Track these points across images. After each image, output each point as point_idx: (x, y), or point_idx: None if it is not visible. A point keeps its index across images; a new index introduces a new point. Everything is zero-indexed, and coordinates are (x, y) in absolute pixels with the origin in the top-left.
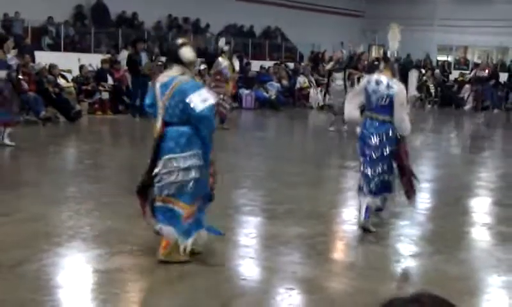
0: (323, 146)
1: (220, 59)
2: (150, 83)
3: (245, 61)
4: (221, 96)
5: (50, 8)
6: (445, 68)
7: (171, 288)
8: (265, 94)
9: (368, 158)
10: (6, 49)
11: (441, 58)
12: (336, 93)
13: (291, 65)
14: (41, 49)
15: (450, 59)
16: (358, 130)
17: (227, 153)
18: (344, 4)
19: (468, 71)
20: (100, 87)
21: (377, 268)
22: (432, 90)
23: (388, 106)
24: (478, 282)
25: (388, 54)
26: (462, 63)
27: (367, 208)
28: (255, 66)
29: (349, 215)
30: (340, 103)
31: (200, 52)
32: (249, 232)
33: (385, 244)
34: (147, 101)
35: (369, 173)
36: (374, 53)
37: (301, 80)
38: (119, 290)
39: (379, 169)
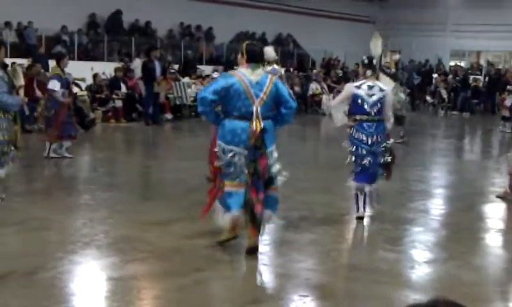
0: (336, 152)
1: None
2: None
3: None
4: None
5: (64, 17)
6: (457, 73)
7: (185, 295)
8: None
9: (369, 155)
10: (62, 66)
11: (454, 63)
12: None
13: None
14: (53, 57)
15: (463, 64)
16: (352, 132)
17: None
18: (356, 10)
19: (480, 76)
20: (114, 96)
21: (391, 274)
22: (445, 96)
23: (381, 107)
24: (492, 288)
25: (374, 61)
26: (475, 68)
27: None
28: None
29: (363, 222)
30: None
31: (212, 60)
32: (262, 239)
33: (399, 250)
34: (211, 97)
35: (368, 165)
36: (388, 59)
37: (313, 87)
38: (133, 297)
39: (377, 161)
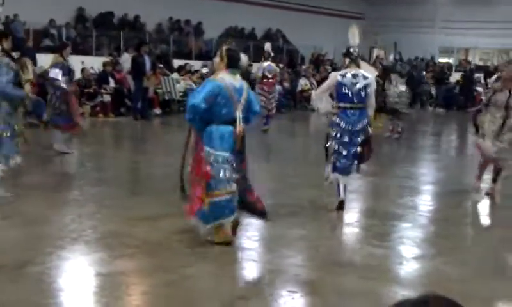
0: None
1: (265, 63)
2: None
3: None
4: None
5: (52, 11)
6: (444, 69)
7: (172, 290)
8: None
9: (352, 142)
10: (65, 55)
11: (443, 60)
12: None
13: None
14: (42, 51)
15: (451, 61)
16: (336, 120)
17: None
18: (345, 6)
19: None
20: (102, 90)
21: (379, 270)
22: (433, 92)
23: (365, 95)
24: (480, 284)
25: (351, 50)
26: (463, 65)
27: (345, 186)
28: (256, 68)
29: (351, 217)
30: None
31: (201, 55)
32: (251, 234)
33: (387, 246)
34: (203, 105)
35: (355, 152)
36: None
37: (303, 83)
38: (121, 293)
39: (355, 151)
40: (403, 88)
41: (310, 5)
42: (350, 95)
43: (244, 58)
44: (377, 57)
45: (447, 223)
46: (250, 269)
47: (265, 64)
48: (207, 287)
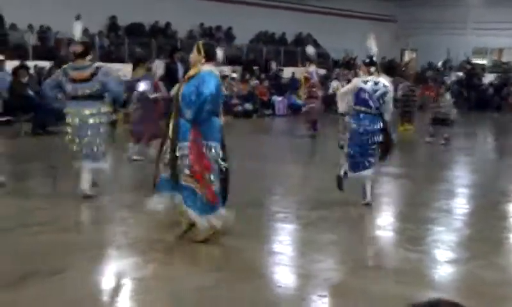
0: None
1: (311, 68)
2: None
3: (277, 68)
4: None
5: (85, 20)
6: (475, 71)
7: (205, 295)
8: (297, 101)
9: (368, 144)
10: (149, 66)
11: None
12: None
13: (322, 71)
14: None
15: (485, 62)
16: (350, 122)
17: (260, 160)
18: (376, 9)
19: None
20: None
21: (412, 274)
22: (466, 94)
23: (383, 102)
24: None
25: (374, 59)
26: (497, 66)
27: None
28: (287, 73)
29: (384, 221)
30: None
31: (232, 61)
32: (283, 239)
33: (421, 250)
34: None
35: (371, 154)
36: (407, 57)
37: (334, 85)
38: (154, 297)
39: (365, 153)
40: (448, 96)
41: (341, 8)
42: (368, 101)
43: (220, 52)
44: (409, 60)
45: (482, 226)
46: (282, 274)
47: (311, 69)
48: (240, 292)
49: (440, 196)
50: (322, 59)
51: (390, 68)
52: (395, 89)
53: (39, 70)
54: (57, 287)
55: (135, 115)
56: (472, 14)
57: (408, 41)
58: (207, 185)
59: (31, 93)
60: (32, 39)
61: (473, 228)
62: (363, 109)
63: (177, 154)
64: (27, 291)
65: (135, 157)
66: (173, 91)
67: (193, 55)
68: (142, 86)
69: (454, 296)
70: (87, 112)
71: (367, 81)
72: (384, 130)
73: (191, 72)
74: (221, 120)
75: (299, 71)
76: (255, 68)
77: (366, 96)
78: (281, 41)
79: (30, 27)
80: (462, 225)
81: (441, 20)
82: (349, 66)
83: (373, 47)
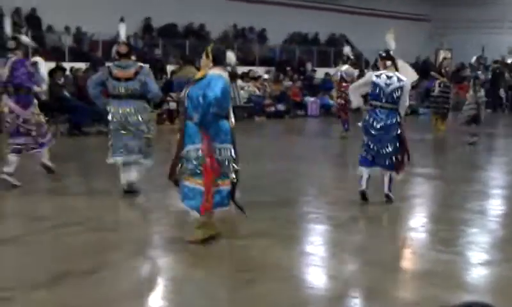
0: None
1: (344, 66)
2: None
3: (312, 68)
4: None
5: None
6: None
7: (236, 295)
8: (330, 101)
9: (384, 139)
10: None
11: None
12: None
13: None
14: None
15: None
16: (365, 116)
17: (292, 161)
18: (410, 8)
19: None
20: (168, 98)
21: (445, 276)
22: (502, 95)
23: (398, 96)
24: None
25: (391, 53)
26: None
27: (369, 178)
28: (320, 73)
29: (416, 223)
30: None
31: (265, 61)
32: (314, 240)
33: (454, 252)
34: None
35: (388, 151)
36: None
37: None
38: (186, 297)
39: (390, 148)
40: (482, 93)
41: (374, 8)
42: (381, 95)
43: (231, 56)
44: (444, 59)
45: None
46: (313, 274)
47: (344, 67)
48: (270, 292)
49: (473, 197)
50: (355, 59)
51: (424, 68)
52: (431, 87)
53: (75, 72)
54: (91, 286)
55: None
56: (509, 12)
57: (443, 41)
58: (210, 188)
59: (67, 94)
60: (68, 41)
61: (507, 230)
62: (378, 104)
63: (183, 156)
64: (62, 290)
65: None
66: (181, 94)
67: (202, 60)
68: None
69: (487, 298)
70: (128, 109)
71: (380, 75)
72: (399, 125)
73: (199, 75)
74: (230, 123)
75: (332, 72)
76: (288, 68)
77: (378, 90)
78: (314, 41)
79: (67, 29)
80: (496, 226)
81: (477, 19)
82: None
83: (391, 42)
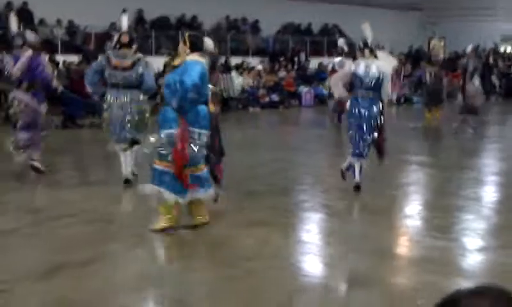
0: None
1: (337, 58)
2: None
3: (308, 59)
4: None
5: (112, 14)
6: (509, 58)
7: (233, 284)
8: (324, 91)
9: (365, 127)
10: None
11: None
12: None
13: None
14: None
15: None
16: (348, 105)
17: (287, 150)
18: None
19: None
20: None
21: (441, 262)
22: (496, 82)
23: (378, 84)
24: None
25: (368, 42)
26: None
27: (361, 169)
28: (314, 63)
29: (412, 210)
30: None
31: (258, 52)
32: (310, 228)
33: (450, 238)
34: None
35: (367, 138)
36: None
37: None
38: (184, 287)
39: (372, 136)
40: (477, 82)
41: None
42: (361, 84)
43: (209, 42)
44: (433, 48)
45: (511, 214)
46: (308, 263)
47: (337, 59)
48: (267, 280)
49: (468, 184)
50: (349, 49)
51: (416, 57)
52: (422, 76)
53: (68, 65)
54: (88, 278)
55: None
56: (502, 0)
57: (435, 30)
58: (182, 172)
59: (60, 87)
60: (60, 34)
61: (502, 216)
62: (359, 93)
63: (160, 140)
64: (60, 281)
65: None
66: (160, 81)
67: (180, 46)
68: None
69: (484, 283)
70: (124, 99)
71: (359, 65)
72: (381, 114)
73: (176, 62)
74: (210, 108)
75: (325, 62)
76: (281, 59)
77: (358, 80)
78: (307, 32)
79: (58, 22)
80: (491, 213)
81: (470, 6)
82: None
83: (368, 32)
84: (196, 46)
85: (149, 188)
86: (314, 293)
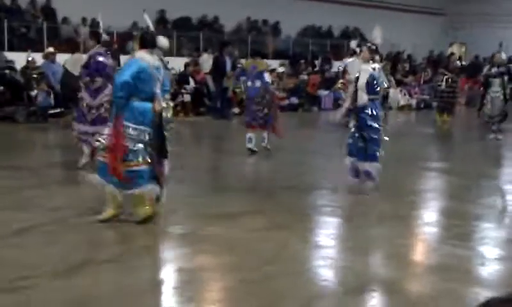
0: (402, 147)
1: (351, 59)
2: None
3: (330, 64)
4: None
5: (135, 14)
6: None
7: (251, 288)
8: (343, 94)
9: (370, 130)
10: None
11: None
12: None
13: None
14: (127, 53)
15: None
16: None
17: (306, 154)
18: (424, 2)
19: None
20: (182, 90)
21: (460, 271)
22: None
23: (374, 86)
24: None
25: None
26: None
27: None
28: (334, 66)
29: (431, 217)
30: (496, 111)
31: (278, 54)
32: (329, 233)
33: (469, 246)
34: (132, 82)
35: (376, 140)
36: (456, 51)
37: None
38: (202, 288)
39: (367, 136)
40: (496, 88)
41: (389, 2)
42: (377, 88)
43: (164, 41)
44: (451, 54)
45: None
46: (327, 268)
47: (349, 60)
48: (285, 285)
49: (488, 193)
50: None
51: (437, 62)
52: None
53: None
54: (111, 275)
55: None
56: None
57: (457, 35)
58: (117, 164)
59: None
60: (85, 33)
61: None
62: (371, 96)
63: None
64: (81, 278)
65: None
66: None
67: (134, 43)
68: (266, 78)
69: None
70: None
71: (375, 68)
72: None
73: (126, 59)
74: (155, 107)
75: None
76: (302, 61)
77: (375, 83)
78: (327, 34)
79: (83, 20)
80: (510, 222)
81: (493, 13)
82: (394, 60)
83: (378, 37)
84: (145, 43)
85: (94, 178)
86: (333, 299)
